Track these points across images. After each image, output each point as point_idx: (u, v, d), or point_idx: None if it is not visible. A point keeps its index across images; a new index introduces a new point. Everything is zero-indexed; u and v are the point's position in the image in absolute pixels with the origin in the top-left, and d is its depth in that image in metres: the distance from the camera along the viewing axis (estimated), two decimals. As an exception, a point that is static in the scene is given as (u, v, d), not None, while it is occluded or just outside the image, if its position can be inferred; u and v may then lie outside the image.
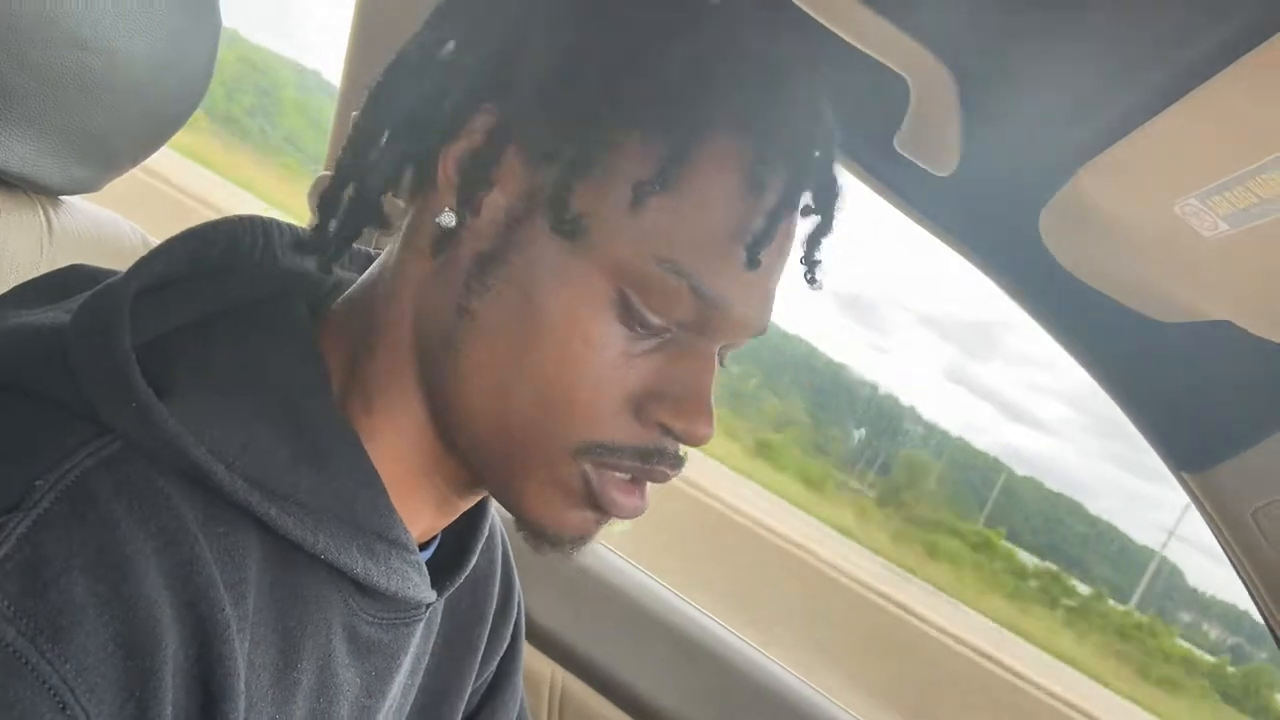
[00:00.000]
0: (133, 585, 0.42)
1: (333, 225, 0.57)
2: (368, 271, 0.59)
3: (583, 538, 0.56)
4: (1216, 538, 0.86)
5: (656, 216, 0.50)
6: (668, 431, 0.53)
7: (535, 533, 0.55)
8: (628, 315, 0.51)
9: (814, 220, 0.55)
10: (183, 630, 0.44)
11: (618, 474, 0.53)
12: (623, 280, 0.50)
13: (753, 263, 0.51)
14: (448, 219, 0.53)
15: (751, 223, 0.51)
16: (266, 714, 0.49)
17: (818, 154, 0.54)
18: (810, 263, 0.56)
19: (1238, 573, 0.85)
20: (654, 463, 0.53)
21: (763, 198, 0.52)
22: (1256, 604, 0.86)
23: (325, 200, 0.56)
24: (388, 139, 0.55)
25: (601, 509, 0.54)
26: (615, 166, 0.50)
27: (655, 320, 0.51)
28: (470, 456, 0.55)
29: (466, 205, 0.52)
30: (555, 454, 0.52)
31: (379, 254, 0.60)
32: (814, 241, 0.56)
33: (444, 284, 0.54)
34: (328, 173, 0.79)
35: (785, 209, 0.52)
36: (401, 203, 0.58)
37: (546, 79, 0.51)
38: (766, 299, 0.55)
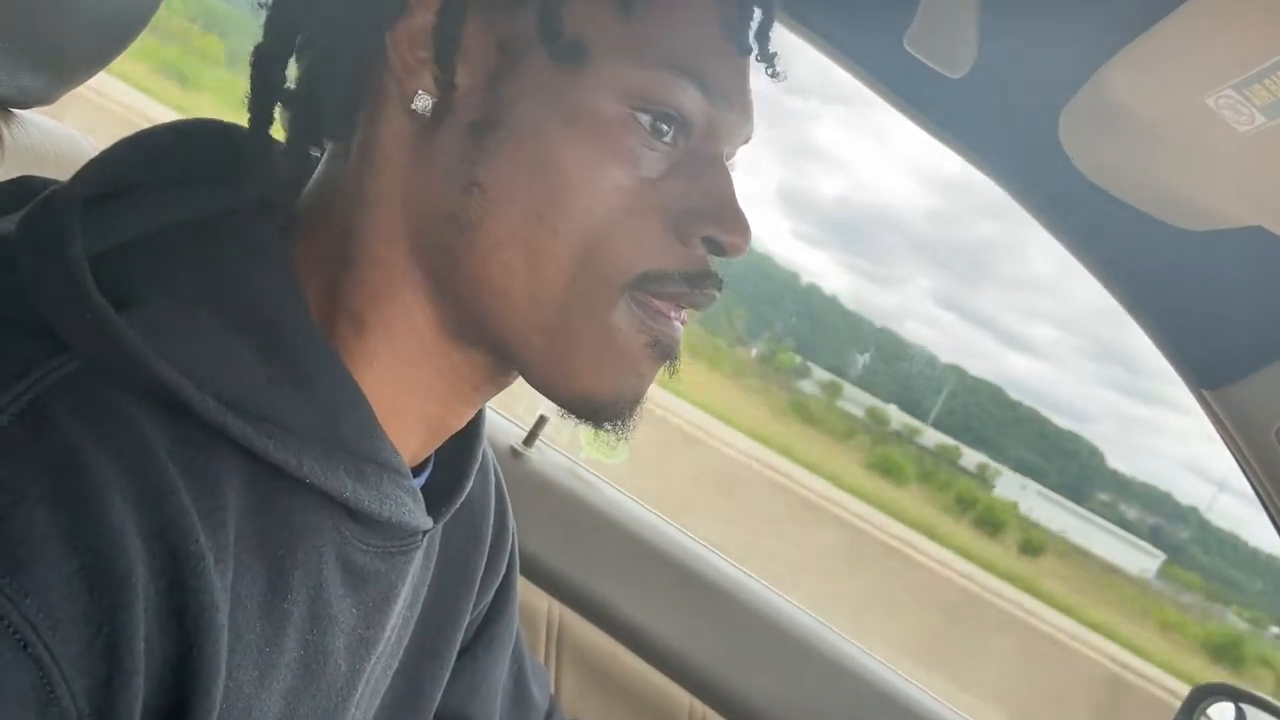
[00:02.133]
0: (97, 514, 0.39)
1: (278, 147, 0.53)
2: (315, 188, 0.55)
3: (635, 400, 0.54)
4: (1236, 459, 0.83)
5: (647, 24, 0.49)
6: (714, 246, 0.53)
7: (589, 407, 0.53)
8: (643, 134, 0.50)
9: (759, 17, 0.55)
10: (152, 561, 0.40)
11: (661, 306, 0.52)
12: (632, 97, 0.50)
13: (743, 48, 0.53)
14: (423, 102, 0.49)
15: (729, 13, 0.52)
16: (255, 646, 0.46)
17: None
18: (768, 56, 0.56)
19: (1259, 495, 0.83)
20: (702, 285, 0.53)
21: None
22: (1278, 529, 0.83)
23: (255, 121, 0.52)
24: (304, 40, 0.52)
25: (660, 348, 0.53)
26: None
27: (670, 133, 0.51)
28: (503, 342, 0.53)
29: (445, 80, 0.49)
30: (601, 305, 0.51)
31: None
32: (764, 34, 0.55)
33: (436, 168, 0.50)
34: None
35: None
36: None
37: None
38: (751, 98, 0.55)
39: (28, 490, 0.38)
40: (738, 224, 0.53)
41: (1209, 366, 0.80)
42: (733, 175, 0.54)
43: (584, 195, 0.49)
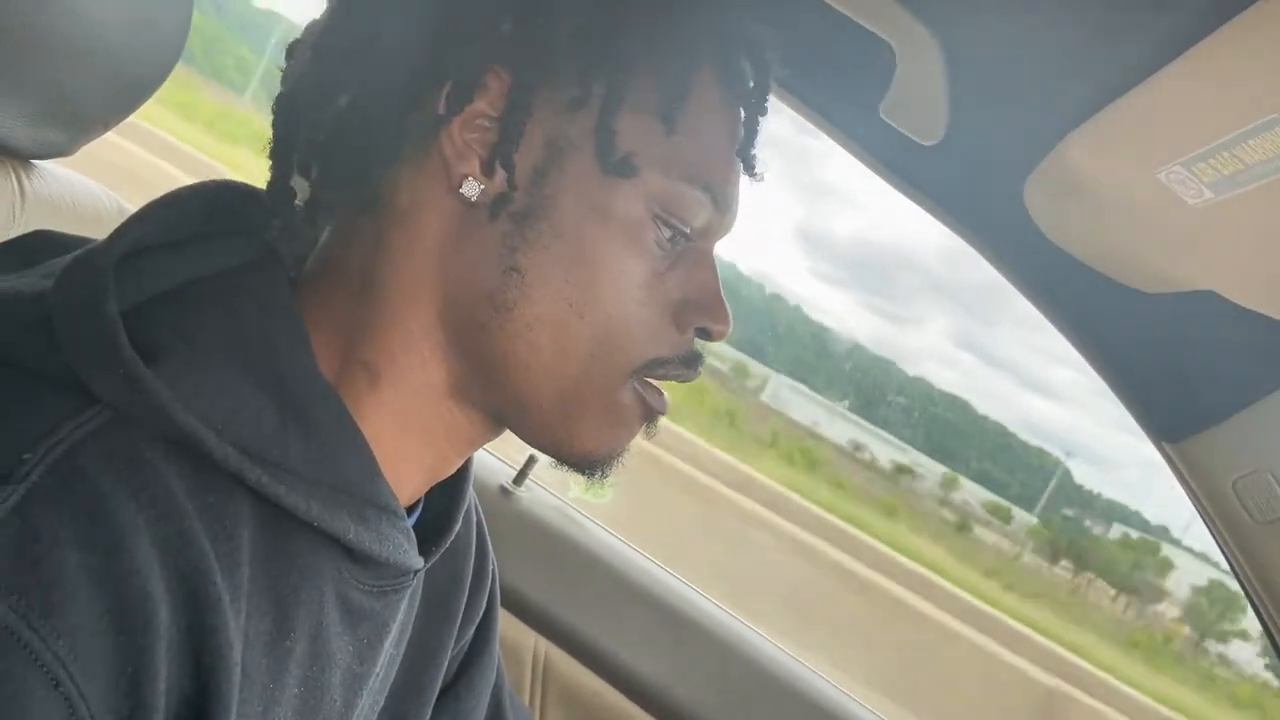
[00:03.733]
0: (125, 559, 0.41)
1: (298, 209, 0.56)
2: (335, 242, 0.57)
3: (621, 455, 0.60)
4: (1198, 510, 0.86)
5: (682, 141, 0.55)
6: (705, 334, 0.59)
7: (586, 463, 0.59)
8: (659, 235, 0.56)
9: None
10: (175, 603, 0.43)
11: (654, 383, 0.59)
12: (659, 204, 0.55)
13: (750, 167, 0.60)
14: (471, 188, 0.53)
15: (737, 132, 0.59)
16: (260, 683, 0.49)
17: (768, 68, 0.61)
18: (752, 167, 0.61)
19: (1218, 544, 0.86)
20: (695, 366, 0.59)
21: (739, 109, 0.59)
22: (1239, 579, 0.86)
23: (277, 184, 0.55)
24: (348, 106, 0.54)
25: (651, 416, 0.59)
26: (634, 101, 0.53)
27: (683, 235, 0.56)
28: (511, 409, 0.57)
29: (502, 169, 0.53)
30: (613, 383, 0.56)
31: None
32: (750, 135, 0.61)
33: (476, 249, 0.54)
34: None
35: (758, 116, 0.60)
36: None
37: (556, 32, 0.53)
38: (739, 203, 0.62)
39: (61, 537, 0.40)
40: (724, 314, 0.59)
41: (1170, 420, 0.83)
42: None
43: (610, 287, 0.54)
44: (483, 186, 0.53)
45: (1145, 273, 0.75)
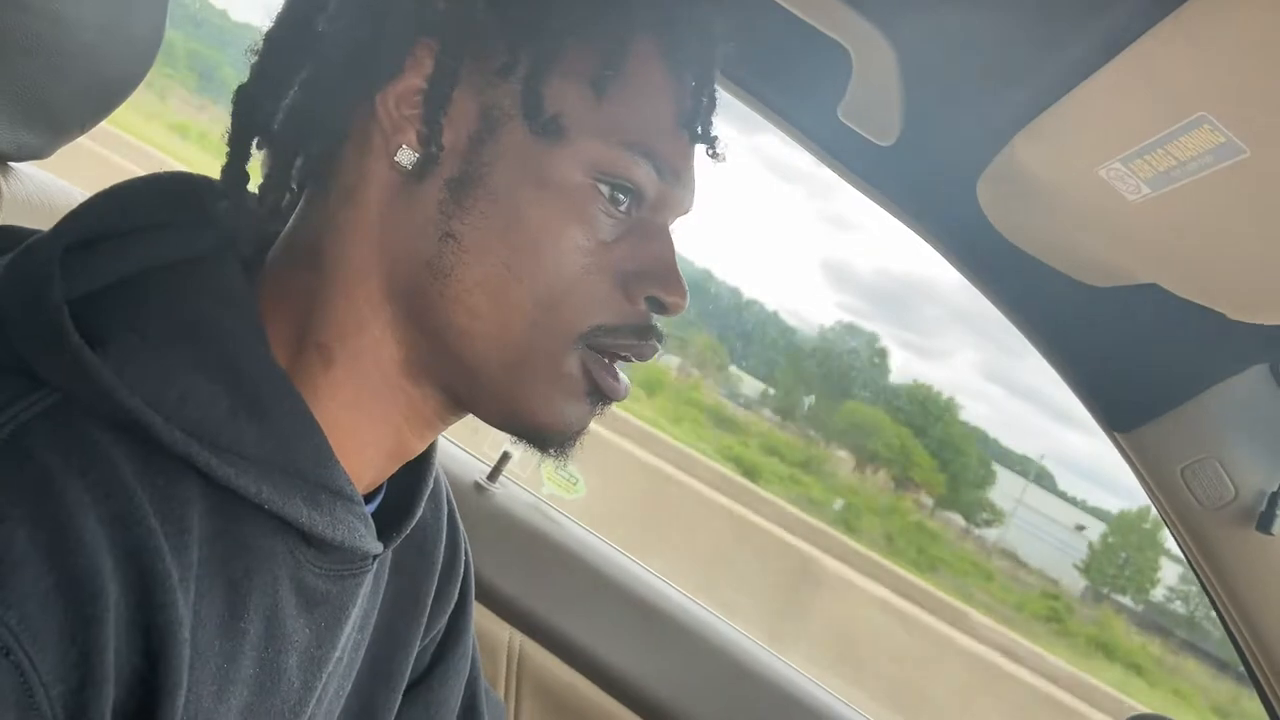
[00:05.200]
0: (73, 534, 0.42)
1: (248, 191, 0.57)
2: (290, 232, 0.59)
3: (580, 431, 0.60)
4: (1150, 499, 0.89)
5: (617, 107, 0.55)
6: (657, 304, 0.59)
7: (540, 436, 0.59)
8: (603, 202, 0.56)
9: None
10: (124, 579, 0.43)
11: (608, 359, 0.58)
12: (596, 170, 0.55)
13: (696, 136, 0.59)
14: (407, 156, 0.54)
15: (683, 104, 0.58)
16: (213, 663, 0.49)
17: (714, 42, 0.61)
18: (710, 139, 0.61)
19: (1169, 529, 0.88)
20: (647, 338, 0.59)
21: (685, 82, 0.59)
22: (1190, 564, 0.89)
23: (234, 156, 0.56)
24: (299, 91, 0.56)
25: (600, 395, 0.59)
26: (565, 69, 0.54)
27: (625, 203, 0.57)
28: (461, 380, 0.57)
29: (431, 138, 0.54)
30: (557, 350, 0.56)
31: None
32: (707, 120, 0.61)
33: (414, 217, 0.55)
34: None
35: (706, 88, 0.59)
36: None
37: (474, 2, 0.54)
38: (694, 176, 0.62)
39: (8, 513, 0.41)
40: (679, 286, 0.59)
41: (1120, 410, 0.86)
42: (674, 240, 0.61)
43: (548, 251, 0.55)
44: (418, 155, 0.54)
45: (1093, 267, 0.77)
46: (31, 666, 0.40)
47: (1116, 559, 16.91)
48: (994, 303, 0.86)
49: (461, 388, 0.58)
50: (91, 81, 0.78)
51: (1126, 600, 16.70)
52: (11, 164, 0.81)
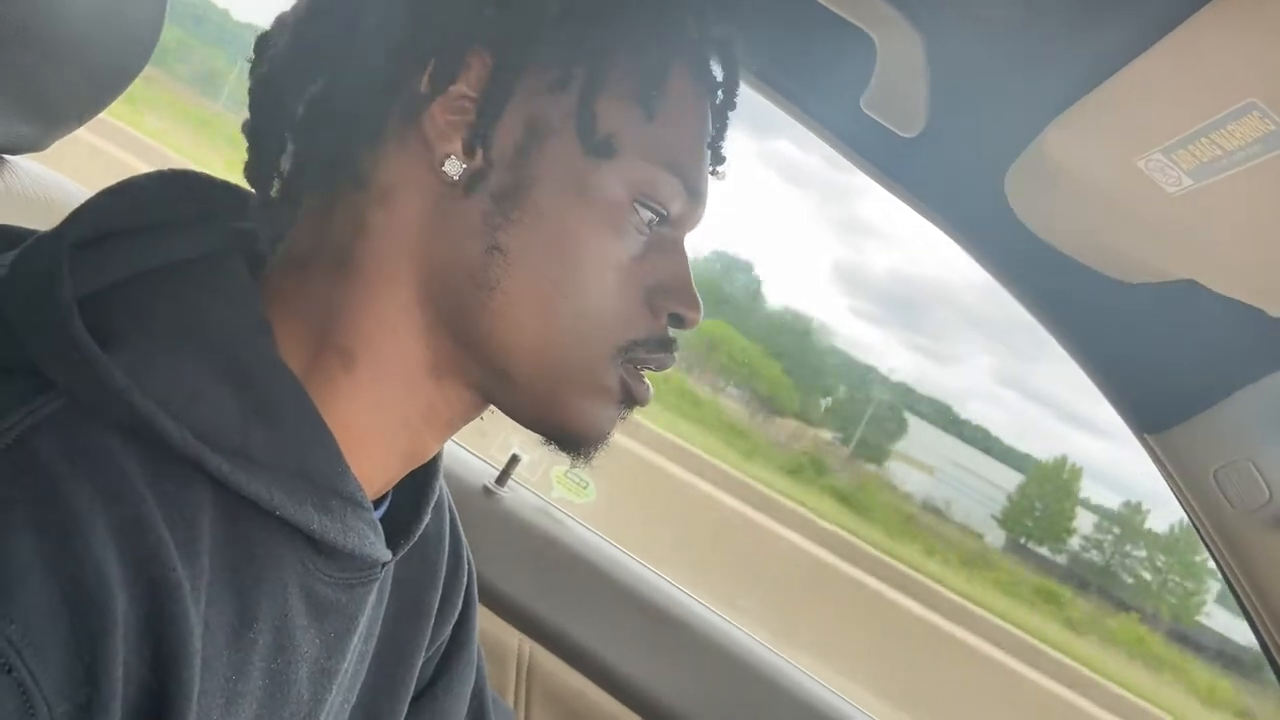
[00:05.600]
0: (80, 542, 0.40)
1: (275, 189, 0.55)
2: (308, 233, 0.56)
3: (604, 439, 0.60)
4: (1179, 501, 0.87)
5: (660, 128, 0.56)
6: (677, 320, 0.60)
7: (573, 442, 0.59)
8: (636, 220, 0.56)
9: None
10: (133, 589, 0.42)
11: (638, 368, 0.59)
12: (638, 189, 0.56)
13: (718, 158, 0.62)
14: (453, 167, 0.53)
15: (708, 126, 0.60)
16: (221, 674, 0.48)
17: (737, 62, 0.62)
18: (721, 159, 0.63)
19: (1199, 534, 0.86)
20: (669, 350, 0.60)
21: (711, 102, 0.60)
22: (1221, 568, 0.87)
23: (258, 164, 0.55)
24: (329, 86, 0.54)
25: (633, 402, 0.60)
26: (615, 87, 0.54)
27: (653, 220, 0.57)
28: (494, 384, 0.57)
29: (482, 149, 0.53)
30: (596, 363, 0.57)
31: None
32: (719, 140, 0.63)
33: (458, 227, 0.54)
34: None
35: (728, 110, 0.62)
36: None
37: (540, 14, 0.53)
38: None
39: (13, 521, 0.39)
40: (697, 302, 0.60)
41: (1150, 411, 0.83)
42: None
43: (591, 266, 0.55)
44: (465, 166, 0.53)
45: (1126, 263, 0.75)
46: (34, 683, 0.38)
47: (1033, 509, 17.39)
48: (1020, 300, 0.84)
49: (493, 390, 0.58)
50: (88, 73, 0.76)
51: (1044, 551, 17.13)
52: (6, 157, 0.79)
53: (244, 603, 0.49)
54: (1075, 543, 17.17)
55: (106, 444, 0.44)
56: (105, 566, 0.41)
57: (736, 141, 0.64)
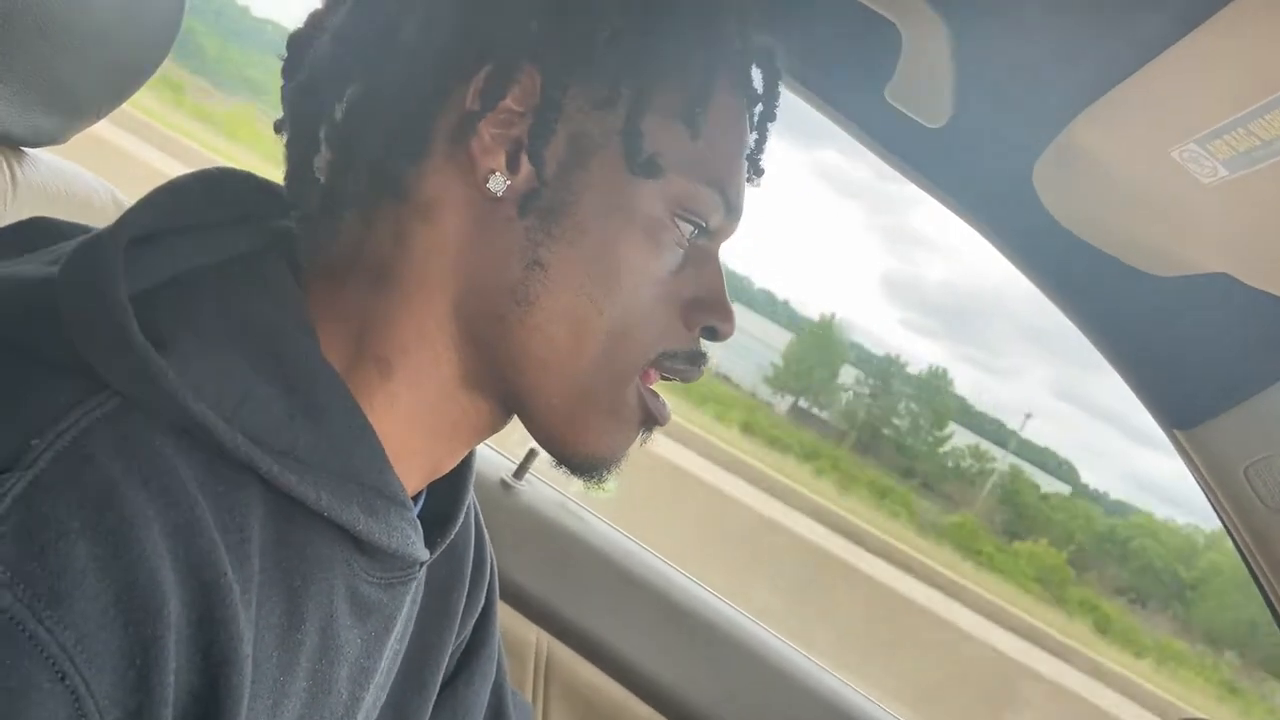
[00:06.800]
0: (134, 549, 0.40)
1: (315, 198, 0.55)
2: (347, 243, 0.56)
3: (620, 460, 0.60)
4: (1208, 498, 0.85)
5: (703, 145, 0.56)
6: (711, 333, 0.60)
7: (588, 463, 0.59)
8: (676, 234, 0.57)
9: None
10: (185, 594, 0.42)
11: (653, 385, 0.59)
12: (679, 205, 0.56)
13: (757, 169, 0.62)
14: (498, 184, 0.53)
15: (747, 138, 0.61)
16: (270, 676, 0.48)
17: (777, 74, 0.62)
18: (759, 171, 0.63)
19: (1229, 532, 0.85)
20: (698, 364, 0.60)
21: (751, 115, 0.61)
22: (1249, 566, 0.85)
23: (298, 176, 0.55)
24: (370, 96, 0.54)
25: (651, 421, 0.60)
26: (660, 105, 0.54)
27: (692, 233, 0.58)
28: (525, 401, 0.57)
29: (530, 165, 0.53)
30: (622, 378, 0.57)
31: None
32: (761, 141, 0.63)
33: (499, 242, 0.54)
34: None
35: (769, 121, 0.62)
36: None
37: (589, 32, 0.53)
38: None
39: (69, 525, 0.39)
40: (731, 315, 0.60)
41: (1180, 407, 0.82)
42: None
43: (630, 284, 0.55)
44: (509, 182, 0.53)
45: (1157, 255, 0.74)
46: (88, 691, 0.38)
47: (802, 367, 17.71)
48: (1047, 294, 0.83)
49: (517, 404, 0.58)
50: (109, 66, 0.76)
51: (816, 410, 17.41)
52: (26, 150, 0.79)
53: (293, 604, 0.49)
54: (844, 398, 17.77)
55: (160, 446, 0.44)
56: (159, 572, 0.41)
57: (783, 152, 0.64)
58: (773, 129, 0.63)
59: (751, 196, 0.62)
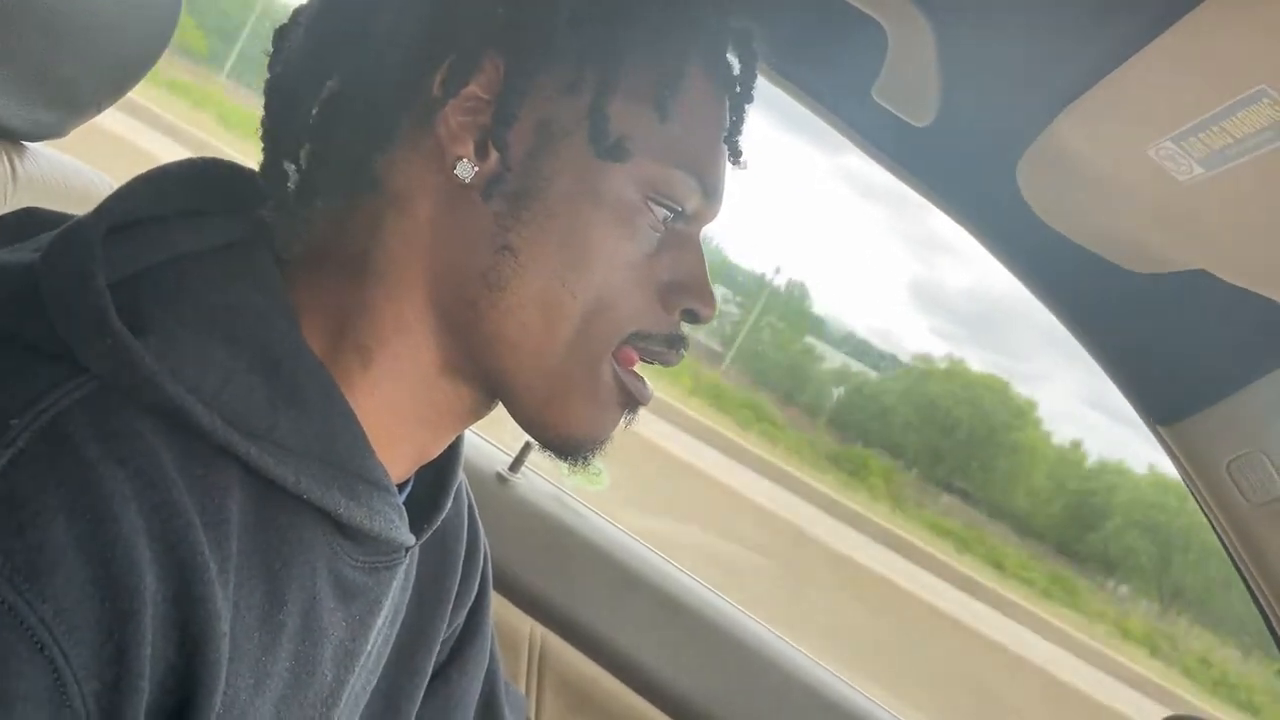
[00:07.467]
0: (111, 526, 0.41)
1: (291, 188, 0.56)
2: (325, 234, 0.57)
3: (603, 442, 0.61)
4: (1192, 492, 0.86)
5: (674, 129, 0.56)
6: (692, 316, 0.60)
7: (569, 444, 0.59)
8: (650, 218, 0.57)
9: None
10: (161, 571, 0.43)
11: (635, 366, 0.60)
12: (651, 189, 0.56)
13: (736, 152, 0.61)
14: (465, 170, 0.54)
15: (725, 121, 0.60)
16: (251, 655, 0.49)
17: (754, 57, 0.62)
18: (738, 153, 0.62)
19: (1213, 527, 0.85)
20: (677, 347, 0.60)
21: (728, 99, 0.60)
22: (1232, 560, 0.86)
23: (272, 167, 0.56)
24: (342, 89, 0.54)
25: (631, 401, 0.60)
26: (628, 89, 0.54)
27: (668, 217, 0.58)
28: (497, 384, 0.58)
29: (495, 150, 0.54)
30: (596, 356, 0.57)
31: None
32: (737, 133, 0.62)
33: (469, 228, 0.55)
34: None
35: (745, 103, 0.61)
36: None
37: (553, 16, 0.53)
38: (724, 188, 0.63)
39: (46, 503, 0.40)
40: (712, 298, 0.61)
41: (1163, 402, 0.83)
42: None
43: (601, 267, 0.55)
44: (476, 168, 0.54)
45: (1137, 252, 0.75)
46: (66, 662, 0.39)
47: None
48: (1031, 290, 0.84)
49: (497, 389, 0.59)
50: (108, 61, 0.77)
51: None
52: (26, 143, 0.80)
53: (273, 585, 0.50)
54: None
55: (137, 427, 0.45)
56: (135, 550, 0.42)
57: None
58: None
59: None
